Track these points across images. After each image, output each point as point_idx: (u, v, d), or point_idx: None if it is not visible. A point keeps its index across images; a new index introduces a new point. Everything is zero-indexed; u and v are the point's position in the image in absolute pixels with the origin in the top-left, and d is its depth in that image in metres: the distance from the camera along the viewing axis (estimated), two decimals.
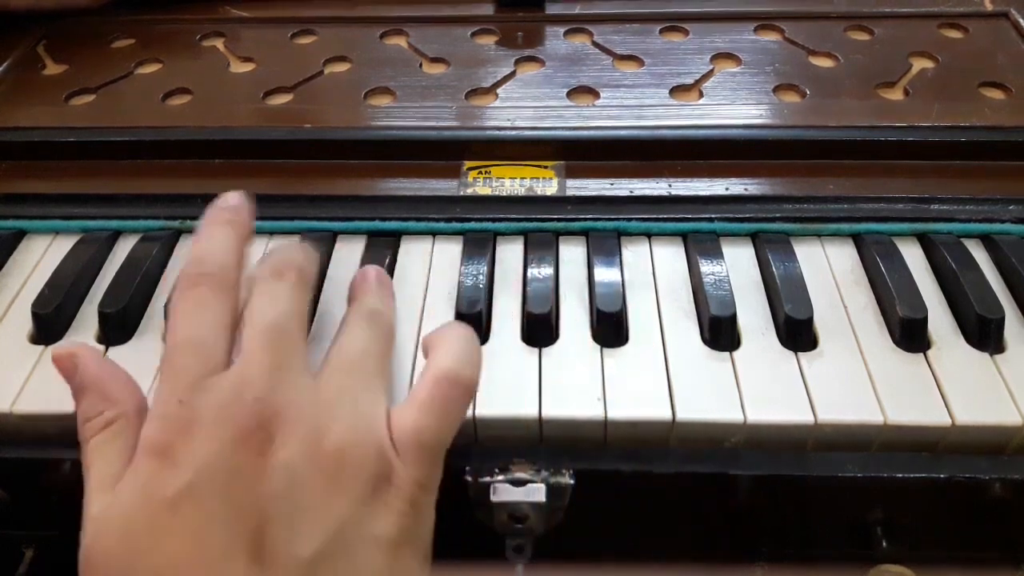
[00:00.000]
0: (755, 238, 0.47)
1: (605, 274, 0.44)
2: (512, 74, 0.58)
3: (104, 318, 0.42)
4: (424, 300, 0.44)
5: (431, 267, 0.46)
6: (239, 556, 0.29)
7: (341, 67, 0.60)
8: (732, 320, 0.41)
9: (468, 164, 0.51)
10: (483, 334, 0.42)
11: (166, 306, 0.42)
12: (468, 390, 0.34)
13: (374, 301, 0.38)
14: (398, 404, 0.34)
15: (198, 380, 0.31)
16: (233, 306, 0.34)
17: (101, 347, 0.42)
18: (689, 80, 0.57)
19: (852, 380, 0.39)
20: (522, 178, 0.50)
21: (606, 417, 0.38)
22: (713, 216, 0.47)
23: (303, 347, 0.34)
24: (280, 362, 0.33)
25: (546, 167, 0.51)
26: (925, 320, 0.41)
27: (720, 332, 0.41)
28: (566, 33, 0.63)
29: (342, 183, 0.51)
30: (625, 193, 0.49)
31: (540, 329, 0.41)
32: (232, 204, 0.38)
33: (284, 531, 0.30)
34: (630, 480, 0.38)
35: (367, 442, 0.32)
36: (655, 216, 0.47)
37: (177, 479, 0.29)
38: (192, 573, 0.29)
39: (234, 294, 0.35)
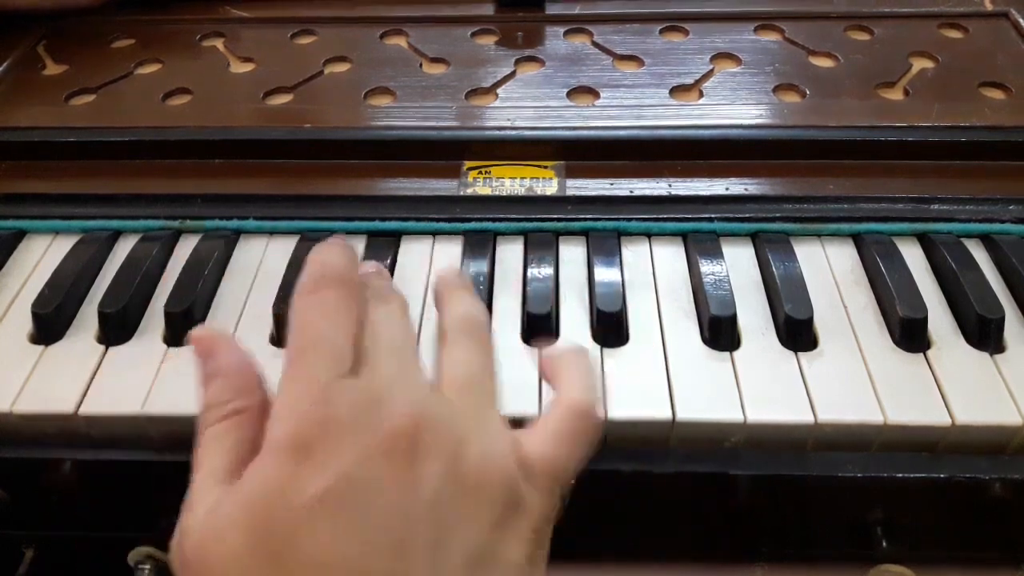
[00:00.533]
0: (755, 238, 0.47)
1: (605, 274, 0.44)
2: (512, 74, 0.58)
3: (104, 318, 0.42)
4: (424, 300, 0.44)
5: (431, 267, 0.46)
6: (373, 570, 0.27)
7: (341, 67, 0.60)
8: (732, 320, 0.41)
9: (468, 164, 0.51)
10: None
11: (167, 310, 0.42)
12: (598, 424, 0.34)
13: (473, 309, 0.36)
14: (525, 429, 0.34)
15: (332, 381, 0.30)
16: (357, 318, 0.33)
17: (101, 347, 0.42)
18: (689, 80, 0.57)
19: (852, 380, 0.39)
20: (522, 178, 0.50)
21: (606, 417, 0.38)
22: (713, 216, 0.47)
23: (420, 364, 0.33)
24: (407, 374, 0.32)
25: (546, 167, 0.51)
26: (925, 320, 0.41)
27: (720, 332, 0.41)
28: (566, 33, 0.63)
29: (342, 183, 0.51)
30: (625, 193, 0.49)
31: (540, 329, 0.41)
32: (342, 243, 0.37)
33: (425, 551, 0.28)
34: (630, 480, 0.38)
35: (501, 467, 0.31)
36: (655, 216, 0.47)
37: (317, 482, 0.28)
38: None
39: (356, 307, 0.34)
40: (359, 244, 0.47)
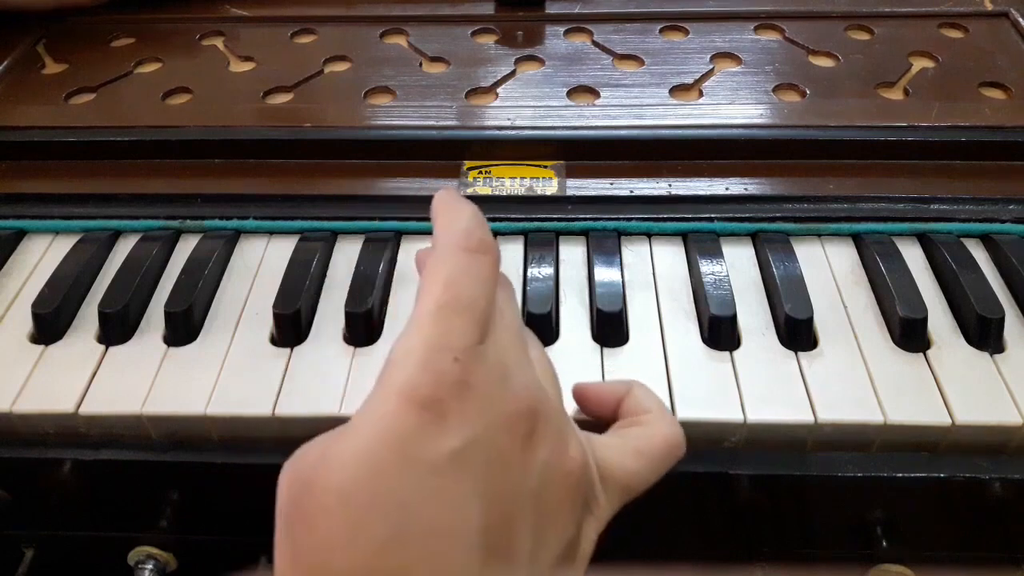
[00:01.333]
0: (755, 238, 0.47)
1: (605, 274, 0.44)
2: (512, 73, 0.58)
3: (104, 318, 0.42)
4: None
5: None
6: (482, 544, 0.27)
7: (341, 67, 0.60)
8: (732, 320, 0.41)
9: (468, 164, 0.51)
10: None
11: (168, 309, 0.42)
12: (681, 454, 0.35)
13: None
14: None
15: (473, 345, 0.29)
16: (495, 293, 0.32)
17: (102, 347, 0.42)
18: (689, 80, 0.57)
19: (852, 380, 0.39)
20: (522, 178, 0.50)
21: None
22: (713, 216, 0.47)
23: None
24: (527, 361, 0.32)
25: (546, 167, 0.51)
26: (925, 320, 0.41)
27: (720, 332, 0.41)
28: (566, 33, 0.63)
29: (342, 183, 0.51)
30: (625, 193, 0.49)
31: (540, 329, 0.41)
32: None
33: (529, 533, 0.29)
34: None
35: (587, 467, 0.31)
36: (655, 216, 0.47)
37: (447, 442, 0.27)
38: (437, 545, 0.27)
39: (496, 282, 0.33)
40: (359, 244, 0.47)
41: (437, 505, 0.27)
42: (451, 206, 0.33)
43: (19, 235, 0.48)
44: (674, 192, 0.49)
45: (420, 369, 0.28)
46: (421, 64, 0.60)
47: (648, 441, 0.34)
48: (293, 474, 0.27)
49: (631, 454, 0.33)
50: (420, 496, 0.26)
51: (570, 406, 0.38)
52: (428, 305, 0.30)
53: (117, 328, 0.42)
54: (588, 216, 0.47)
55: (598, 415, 0.37)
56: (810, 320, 0.41)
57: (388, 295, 0.44)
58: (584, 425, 0.34)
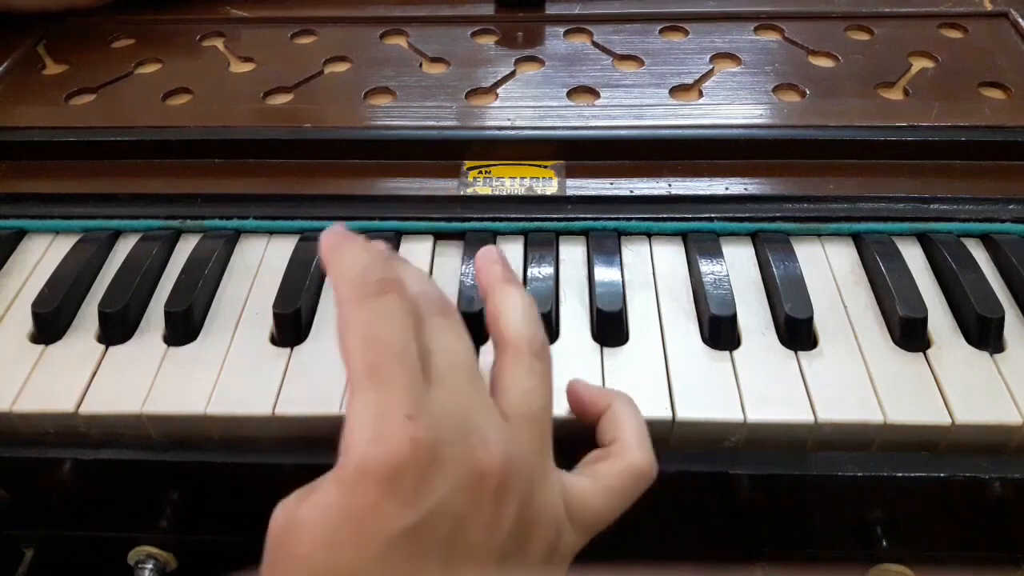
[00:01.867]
0: (755, 238, 0.47)
1: (605, 274, 0.44)
2: (512, 74, 0.58)
3: (104, 318, 0.42)
4: None
5: (431, 267, 0.46)
6: None
7: (341, 67, 0.60)
8: (732, 320, 0.41)
9: (468, 164, 0.51)
10: (484, 334, 0.42)
11: (168, 309, 0.42)
12: (652, 477, 0.34)
13: (533, 321, 0.34)
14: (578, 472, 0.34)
15: (419, 400, 0.28)
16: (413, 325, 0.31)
17: (101, 346, 0.42)
18: (689, 80, 0.57)
19: (852, 379, 0.39)
20: (522, 178, 0.50)
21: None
22: (713, 216, 0.47)
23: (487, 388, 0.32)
24: (484, 399, 0.31)
25: (546, 167, 0.51)
26: (925, 320, 0.41)
27: (720, 332, 0.41)
28: (566, 33, 0.63)
29: (342, 183, 0.51)
30: (625, 193, 0.49)
31: None
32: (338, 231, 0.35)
33: None
34: None
35: (555, 512, 0.31)
36: (655, 216, 0.47)
37: (410, 514, 0.27)
38: None
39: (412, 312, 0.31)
40: None
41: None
42: (339, 250, 0.32)
43: (19, 235, 0.49)
44: (674, 192, 0.49)
45: (374, 443, 0.27)
46: (421, 65, 0.60)
47: (617, 478, 0.33)
48: (272, 528, 0.28)
49: (601, 493, 0.33)
50: (373, 570, 0.26)
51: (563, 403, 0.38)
52: (358, 369, 0.28)
53: (117, 328, 0.42)
54: (588, 216, 0.47)
55: (586, 419, 0.37)
56: (810, 320, 0.41)
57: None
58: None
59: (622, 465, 0.34)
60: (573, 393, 0.37)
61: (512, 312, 0.34)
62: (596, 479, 0.33)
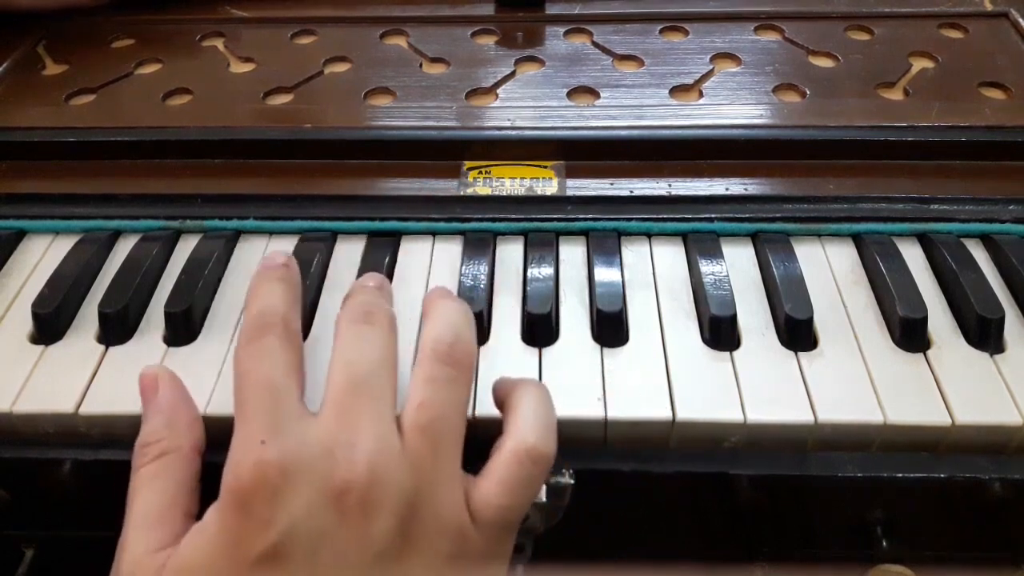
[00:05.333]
0: (755, 238, 0.47)
1: (605, 274, 0.44)
2: (512, 74, 0.58)
3: (104, 318, 0.42)
4: None
5: (431, 267, 0.46)
6: None
7: (341, 67, 0.60)
8: (732, 320, 0.41)
9: (468, 164, 0.51)
10: (483, 334, 0.42)
11: (168, 310, 0.42)
12: (550, 464, 0.33)
13: (450, 326, 0.35)
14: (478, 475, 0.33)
15: (278, 425, 0.30)
16: (300, 355, 0.33)
17: (101, 347, 0.42)
18: (689, 80, 0.57)
19: (852, 380, 0.39)
20: (522, 178, 0.50)
21: (606, 417, 0.38)
22: (713, 216, 0.47)
23: (392, 400, 0.32)
24: (369, 417, 0.31)
25: (546, 167, 0.51)
26: (925, 320, 0.41)
27: (720, 332, 0.41)
28: (566, 33, 0.63)
29: (342, 183, 0.51)
30: (625, 193, 0.49)
31: (540, 329, 0.41)
32: (280, 263, 0.37)
33: None
34: (630, 480, 0.38)
35: (451, 519, 0.31)
36: (655, 216, 0.47)
37: (265, 538, 0.28)
38: None
39: (299, 344, 0.34)
40: (359, 244, 0.47)
41: None
42: (253, 290, 0.35)
43: (19, 235, 0.48)
44: (674, 192, 0.49)
45: (234, 469, 0.29)
46: (421, 65, 0.60)
47: (506, 467, 0.32)
48: None
49: (495, 487, 0.32)
50: None
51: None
52: (235, 406, 0.31)
53: (117, 328, 0.42)
54: (588, 216, 0.47)
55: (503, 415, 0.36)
56: (810, 320, 0.41)
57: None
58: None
59: (509, 453, 0.33)
60: (494, 391, 0.37)
61: (432, 319, 0.35)
62: (489, 475, 0.33)
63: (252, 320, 0.34)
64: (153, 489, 0.32)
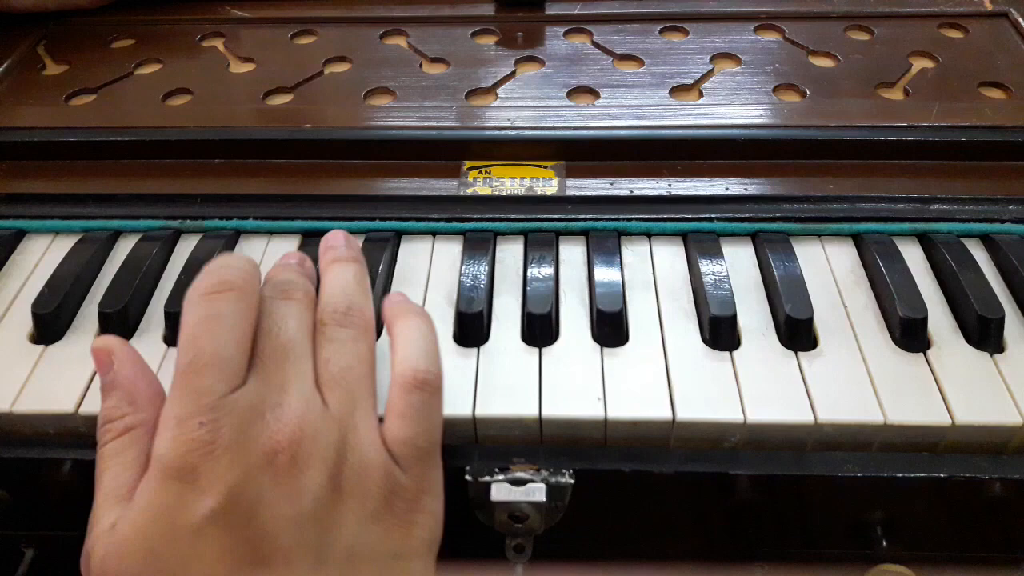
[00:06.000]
0: (755, 238, 0.47)
1: (605, 274, 0.44)
2: (512, 74, 0.58)
3: (104, 318, 0.42)
4: (424, 300, 0.44)
5: (431, 267, 0.46)
6: None
7: (341, 67, 0.60)
8: (732, 320, 0.41)
9: (468, 164, 0.51)
10: (483, 334, 0.42)
11: (168, 310, 0.42)
12: (438, 386, 0.35)
13: (342, 294, 0.37)
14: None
15: (219, 399, 0.31)
16: (253, 321, 0.34)
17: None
18: (689, 80, 0.57)
19: (852, 380, 0.39)
20: (522, 178, 0.50)
21: (606, 417, 0.38)
22: (713, 216, 0.47)
23: (312, 363, 0.34)
24: (293, 380, 0.33)
25: (546, 167, 0.51)
26: (925, 320, 0.41)
27: (720, 332, 0.41)
28: (566, 33, 0.63)
29: (342, 183, 0.51)
30: (625, 193, 0.49)
31: (540, 329, 0.41)
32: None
33: (311, 555, 0.30)
34: (630, 480, 0.38)
35: (375, 462, 0.32)
36: (655, 216, 0.47)
37: (203, 504, 0.29)
38: None
39: (255, 309, 0.34)
40: (359, 244, 0.47)
41: (207, 564, 0.29)
42: (211, 263, 0.35)
43: (19, 235, 0.48)
44: (674, 192, 0.49)
45: (170, 442, 0.30)
46: (421, 65, 0.60)
47: (400, 400, 0.34)
48: (88, 570, 0.31)
49: (397, 421, 0.33)
50: (189, 560, 0.29)
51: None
52: (176, 369, 0.32)
53: (117, 328, 0.42)
54: (588, 216, 0.47)
55: None
56: (810, 320, 0.41)
57: (388, 295, 0.44)
58: None
59: (398, 385, 0.34)
60: (382, 314, 0.38)
61: (324, 287, 0.37)
62: (389, 412, 0.34)
63: (211, 273, 0.34)
64: (120, 463, 0.32)
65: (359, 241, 0.41)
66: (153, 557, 0.29)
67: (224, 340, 0.32)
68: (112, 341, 0.35)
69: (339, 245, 0.39)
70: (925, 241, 0.46)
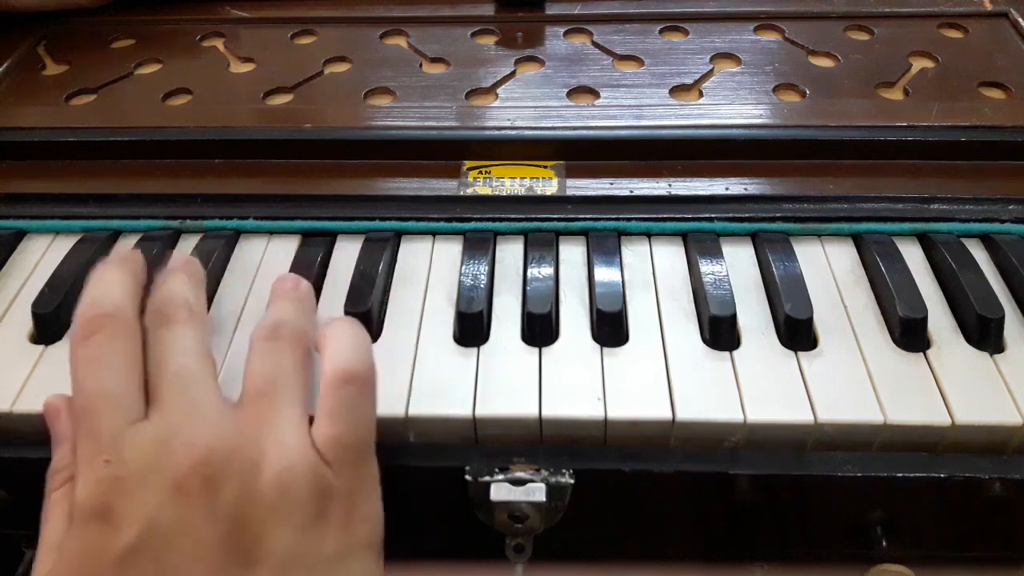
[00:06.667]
0: (755, 238, 0.47)
1: (605, 274, 0.44)
2: (512, 74, 0.58)
3: None
4: (424, 300, 0.44)
5: (431, 267, 0.46)
6: None
7: (341, 67, 0.60)
8: (732, 320, 0.41)
9: (468, 164, 0.51)
10: (483, 334, 0.42)
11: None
12: (367, 382, 0.35)
13: (276, 312, 0.37)
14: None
15: (119, 435, 0.31)
16: (138, 347, 0.34)
17: None
18: (689, 80, 0.57)
19: (852, 380, 0.39)
20: (522, 178, 0.50)
21: (606, 417, 0.38)
22: (713, 216, 0.47)
23: (212, 382, 0.34)
24: (196, 404, 0.32)
25: (546, 167, 0.51)
26: (925, 320, 0.41)
27: (720, 332, 0.41)
28: (566, 33, 0.63)
29: (342, 183, 0.51)
30: (625, 193, 0.49)
31: (540, 329, 0.41)
32: (123, 254, 0.39)
33: (243, 572, 0.30)
34: (630, 480, 0.38)
35: (301, 468, 0.32)
36: (655, 216, 0.47)
37: (121, 540, 0.29)
38: None
39: (137, 334, 0.35)
40: (359, 244, 0.47)
41: None
42: (83, 293, 0.35)
43: (19, 235, 0.48)
44: (674, 192, 0.49)
45: (82, 486, 0.30)
46: (421, 65, 0.60)
47: (331, 396, 0.34)
48: None
49: (326, 419, 0.33)
50: None
51: None
52: (73, 414, 0.32)
53: None
54: (588, 216, 0.47)
55: None
56: (810, 320, 0.41)
57: (388, 295, 0.44)
58: None
59: (326, 385, 0.34)
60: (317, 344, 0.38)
61: (268, 311, 0.37)
62: (318, 412, 0.34)
63: (86, 310, 0.35)
64: (60, 512, 0.32)
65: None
66: None
67: (107, 377, 0.32)
68: (62, 400, 0.35)
69: (288, 288, 0.39)
70: (925, 241, 0.46)
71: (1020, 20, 0.61)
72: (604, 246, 0.46)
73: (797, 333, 0.41)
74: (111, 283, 0.36)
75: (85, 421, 0.32)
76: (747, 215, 0.47)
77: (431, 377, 0.39)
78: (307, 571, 0.31)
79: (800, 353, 0.40)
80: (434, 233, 0.47)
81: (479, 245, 0.46)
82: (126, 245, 0.47)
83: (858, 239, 0.46)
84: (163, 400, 0.32)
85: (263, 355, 0.35)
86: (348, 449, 0.33)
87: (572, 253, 0.46)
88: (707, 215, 0.47)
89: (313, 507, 0.31)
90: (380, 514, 0.34)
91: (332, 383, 0.34)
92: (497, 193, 0.49)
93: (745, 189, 0.49)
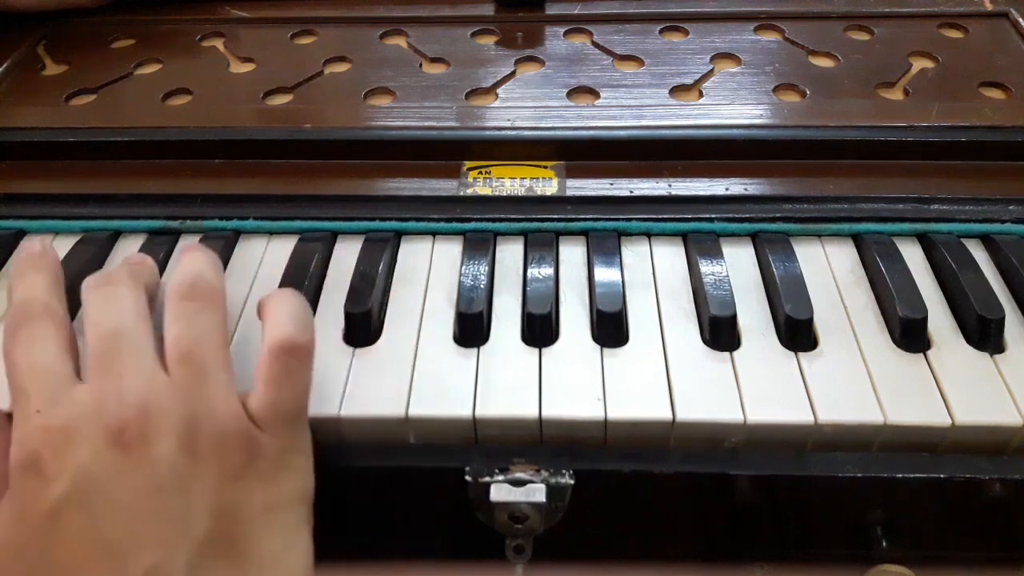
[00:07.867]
0: (755, 238, 0.47)
1: (605, 274, 0.44)
2: (512, 74, 0.58)
3: None
4: (424, 300, 0.44)
5: (431, 267, 0.46)
6: (134, 550, 0.30)
7: (341, 67, 0.60)
8: (732, 320, 0.41)
9: (468, 164, 0.51)
10: (483, 334, 0.42)
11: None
12: (305, 352, 0.35)
13: (188, 271, 0.37)
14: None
15: (50, 394, 0.32)
16: (66, 336, 0.35)
17: None
18: (689, 80, 0.57)
19: (852, 380, 0.39)
20: (522, 178, 0.50)
21: (606, 417, 0.38)
22: (713, 216, 0.47)
23: (148, 343, 0.34)
24: (130, 362, 0.33)
25: (546, 167, 0.51)
26: (925, 320, 0.41)
27: (720, 332, 0.41)
28: (566, 33, 0.63)
29: (342, 183, 0.51)
30: (625, 193, 0.49)
31: (540, 329, 0.41)
32: (36, 251, 0.39)
33: (177, 520, 0.31)
34: (630, 480, 0.38)
35: (231, 424, 0.33)
36: (655, 216, 0.47)
37: (53, 490, 0.30)
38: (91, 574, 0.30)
39: (65, 325, 0.36)
40: (359, 244, 0.47)
41: (69, 545, 0.30)
42: (16, 277, 0.37)
43: (19, 235, 0.48)
44: (674, 192, 0.49)
45: (16, 444, 0.31)
46: (421, 65, 0.60)
47: (268, 365, 0.34)
48: None
49: (263, 386, 0.34)
50: (50, 546, 0.30)
51: None
52: (9, 387, 0.33)
53: None
54: (588, 216, 0.47)
55: None
56: (810, 320, 0.41)
57: (388, 295, 0.44)
58: None
59: (265, 353, 0.35)
60: (257, 311, 0.38)
61: (176, 272, 0.38)
62: (256, 379, 0.34)
63: (14, 311, 0.36)
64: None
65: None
66: (19, 552, 0.30)
67: (37, 349, 0.33)
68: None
69: (192, 247, 0.40)
70: (925, 241, 0.46)
71: (1020, 20, 0.61)
72: (604, 246, 0.46)
73: (797, 333, 0.41)
74: (33, 284, 0.37)
75: (17, 391, 0.33)
76: (747, 215, 0.47)
77: (431, 377, 0.39)
78: (236, 521, 0.32)
79: (800, 353, 0.40)
80: (434, 233, 0.47)
81: (479, 245, 0.46)
82: (126, 245, 0.47)
83: (858, 239, 0.46)
84: (98, 362, 0.33)
85: (187, 318, 0.35)
86: (283, 415, 0.34)
87: (572, 253, 0.46)
88: (707, 215, 0.47)
89: (245, 462, 0.32)
90: (310, 470, 0.35)
91: (274, 352, 0.34)
92: (497, 193, 0.49)
93: (745, 189, 0.49)
